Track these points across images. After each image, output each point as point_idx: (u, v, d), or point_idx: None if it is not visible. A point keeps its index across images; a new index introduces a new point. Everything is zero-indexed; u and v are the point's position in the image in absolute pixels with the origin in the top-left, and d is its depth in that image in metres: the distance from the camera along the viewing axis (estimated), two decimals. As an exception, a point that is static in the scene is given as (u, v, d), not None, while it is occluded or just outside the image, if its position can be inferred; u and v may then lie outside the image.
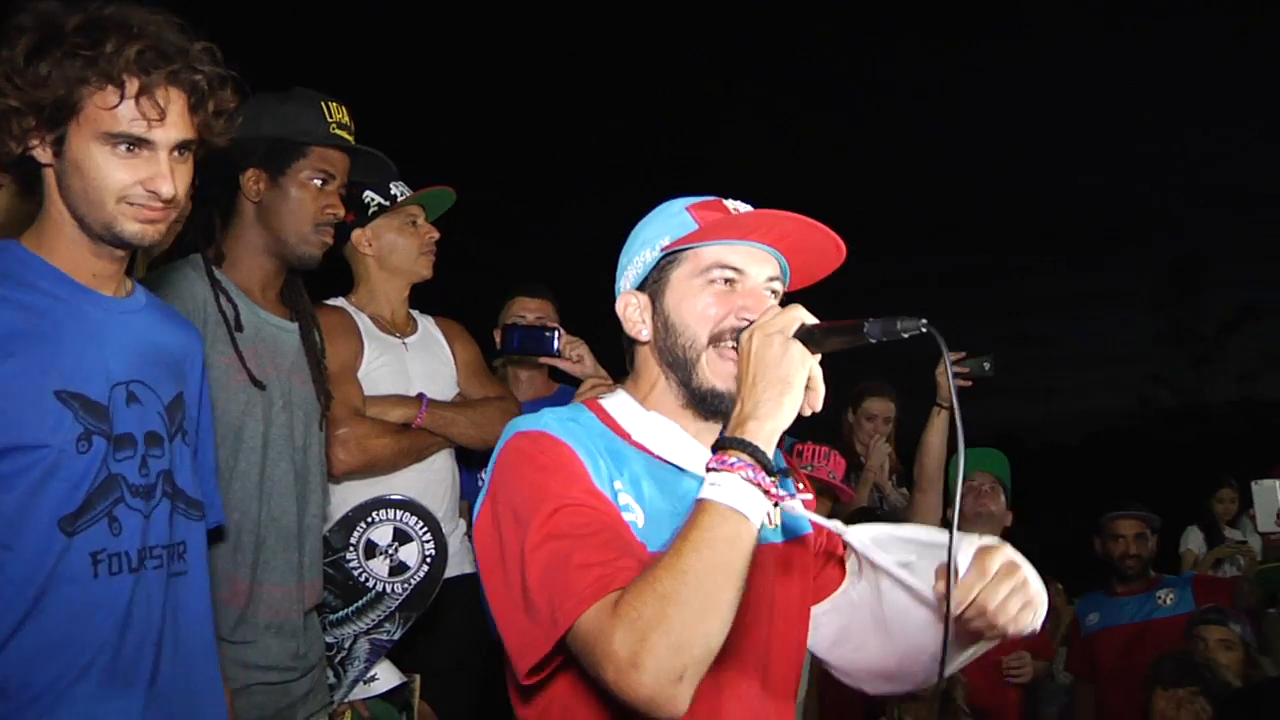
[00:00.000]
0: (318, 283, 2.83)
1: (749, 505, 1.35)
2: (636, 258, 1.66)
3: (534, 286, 3.58)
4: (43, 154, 1.69)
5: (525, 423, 1.56)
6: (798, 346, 1.43)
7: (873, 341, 1.42)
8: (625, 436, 1.60)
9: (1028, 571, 1.45)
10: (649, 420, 1.62)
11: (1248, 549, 5.58)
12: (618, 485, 1.52)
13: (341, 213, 2.48)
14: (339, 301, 3.03)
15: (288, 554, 2.35)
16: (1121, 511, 4.55)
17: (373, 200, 3.04)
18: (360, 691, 2.72)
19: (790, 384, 1.41)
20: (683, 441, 1.61)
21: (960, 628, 1.47)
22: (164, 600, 1.77)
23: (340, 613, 2.64)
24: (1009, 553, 1.45)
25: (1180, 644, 4.00)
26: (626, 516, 1.49)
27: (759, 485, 1.36)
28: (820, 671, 3.79)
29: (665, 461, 1.60)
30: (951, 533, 1.40)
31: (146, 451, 1.75)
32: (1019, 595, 1.43)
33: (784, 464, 1.74)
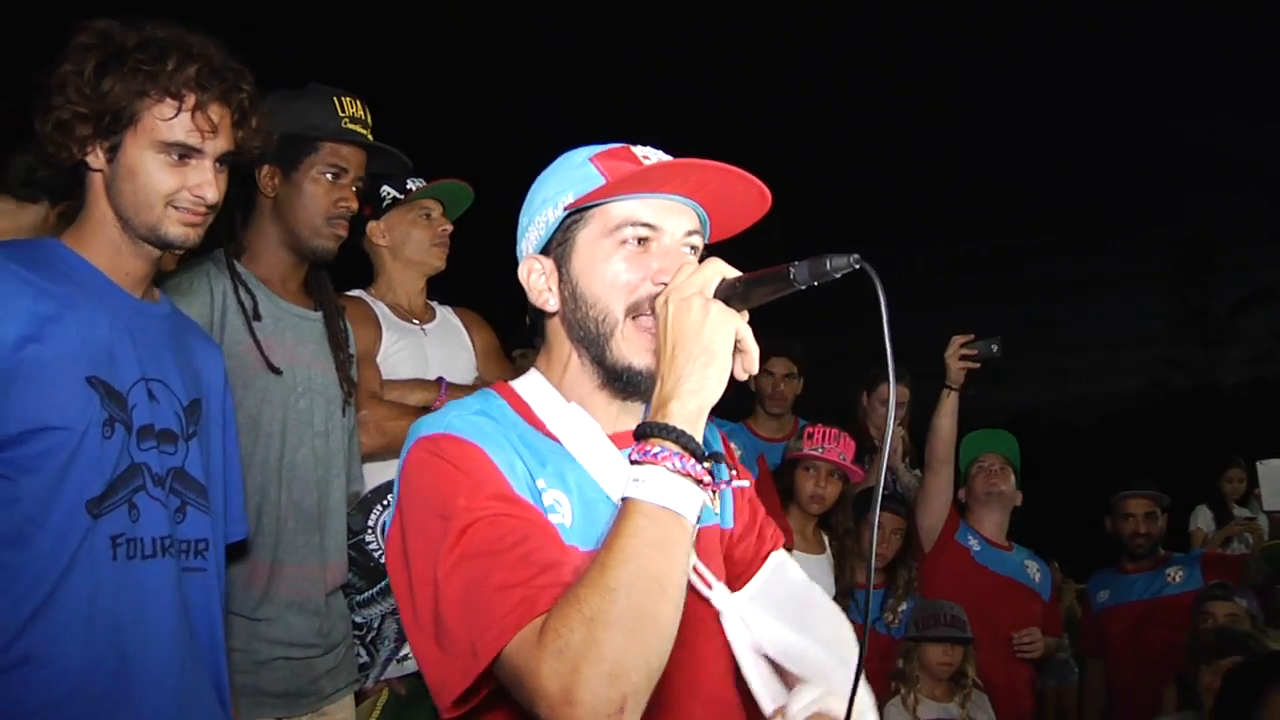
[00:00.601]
0: (344, 275, 2.89)
1: (679, 500, 1.18)
2: (538, 217, 1.45)
3: None
4: (95, 160, 1.80)
5: (427, 425, 1.35)
6: (719, 307, 1.25)
7: (802, 287, 1.24)
8: (539, 427, 1.41)
9: None
10: (570, 417, 1.42)
11: (1256, 527, 5.58)
12: (541, 484, 1.33)
13: (354, 206, 2.48)
14: (357, 292, 3.06)
15: (308, 536, 2.38)
16: (1132, 490, 4.52)
17: (388, 194, 3.07)
18: (394, 670, 2.74)
19: (715, 352, 1.23)
20: (605, 453, 1.40)
21: None
22: (182, 593, 1.81)
23: (365, 594, 2.66)
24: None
25: (1189, 620, 4.03)
26: (553, 519, 1.31)
27: (689, 475, 1.19)
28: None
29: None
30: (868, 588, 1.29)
31: (160, 446, 1.81)
32: None
33: (718, 446, 1.57)
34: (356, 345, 2.74)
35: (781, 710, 1.37)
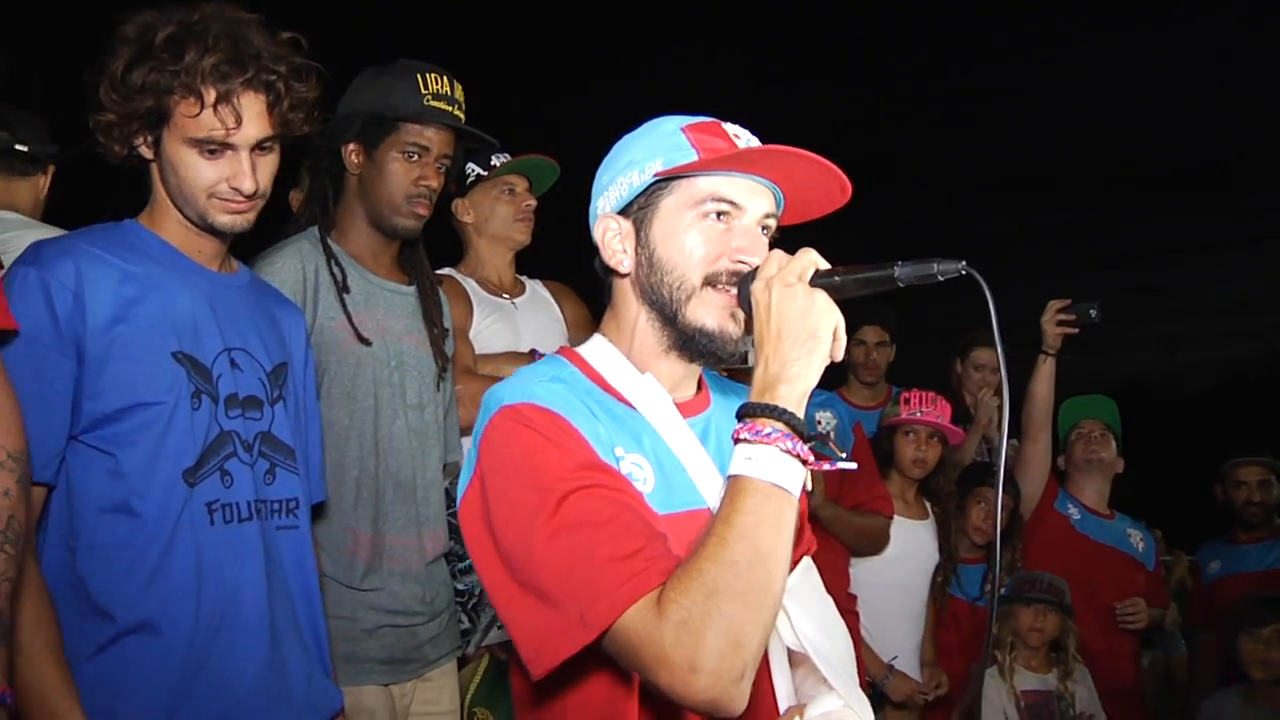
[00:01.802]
0: (439, 252, 2.90)
1: (789, 479, 1.24)
2: (620, 179, 1.45)
3: None
4: (146, 151, 1.81)
5: (508, 393, 1.36)
6: (823, 297, 1.30)
7: (901, 285, 1.31)
8: (614, 394, 1.44)
9: None
10: (644, 387, 1.44)
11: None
12: (619, 451, 1.35)
13: (435, 185, 2.47)
14: (447, 270, 3.07)
15: (406, 507, 2.41)
16: (1244, 458, 4.35)
17: (472, 170, 3.08)
18: (496, 636, 2.79)
19: (819, 339, 1.28)
20: (676, 421, 1.44)
21: None
22: (275, 551, 1.87)
23: (467, 561, 2.64)
24: None
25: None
26: (638, 485, 1.34)
27: (798, 456, 1.25)
28: (934, 617, 3.83)
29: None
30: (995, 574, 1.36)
31: (245, 413, 1.86)
32: None
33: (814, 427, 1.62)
34: (451, 321, 2.77)
35: (798, 709, 1.40)
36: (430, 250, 2.68)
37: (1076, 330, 3.51)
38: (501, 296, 3.10)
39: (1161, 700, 5.09)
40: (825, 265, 1.33)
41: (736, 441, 1.27)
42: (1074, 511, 3.96)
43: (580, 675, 1.32)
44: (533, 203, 3.14)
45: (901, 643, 3.70)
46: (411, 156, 2.45)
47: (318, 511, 2.18)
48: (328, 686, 1.97)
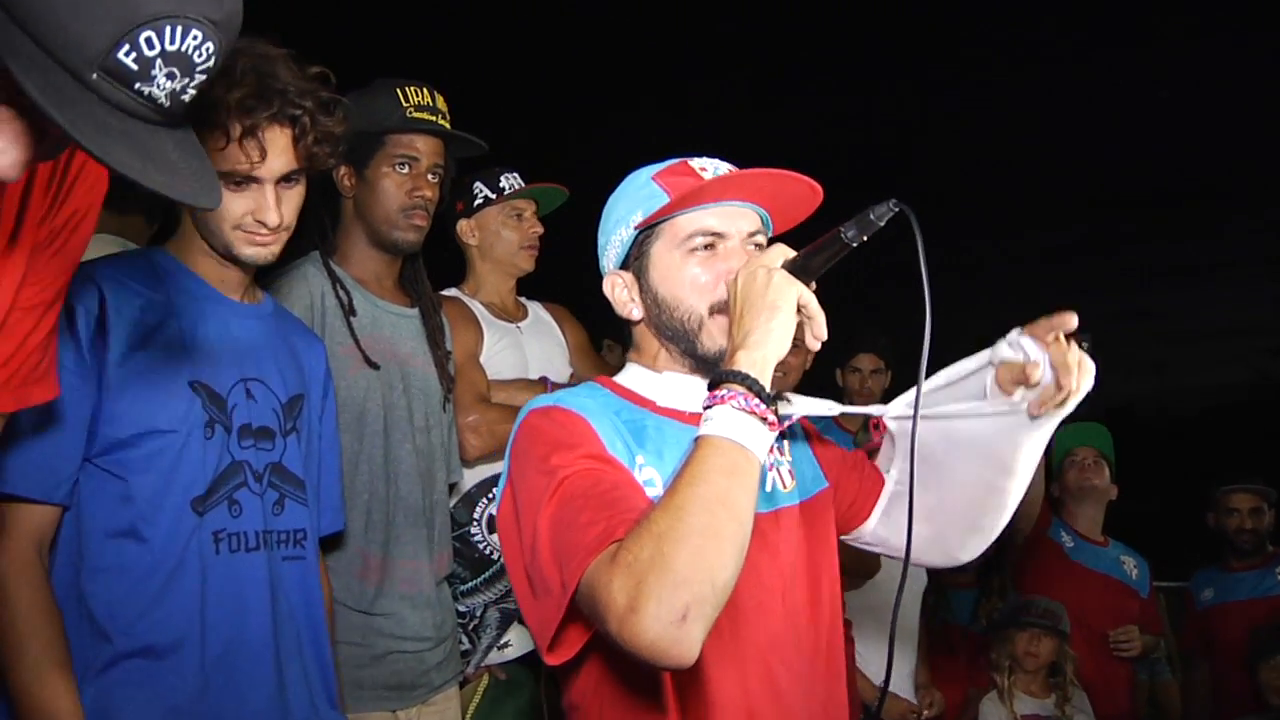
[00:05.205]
0: (444, 270, 2.91)
1: (744, 434, 1.28)
2: (613, 237, 1.59)
3: None
4: None
5: (539, 400, 1.51)
6: (781, 274, 1.36)
7: (854, 245, 1.38)
8: (649, 405, 1.55)
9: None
10: (666, 381, 1.57)
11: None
12: (640, 460, 1.46)
13: (429, 195, 2.48)
14: (452, 291, 3.06)
15: (416, 530, 2.42)
16: (1236, 485, 4.36)
17: (480, 192, 3.07)
18: (495, 656, 2.80)
19: (777, 308, 1.34)
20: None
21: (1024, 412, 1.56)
22: (281, 581, 1.88)
23: (470, 584, 2.70)
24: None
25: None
26: (650, 491, 1.41)
27: (753, 412, 1.29)
28: (928, 640, 3.85)
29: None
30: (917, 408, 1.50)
31: (257, 444, 1.87)
32: (1076, 359, 1.54)
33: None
34: (462, 347, 2.78)
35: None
36: (431, 270, 2.68)
37: (1067, 363, 3.54)
38: (507, 320, 3.09)
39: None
40: (793, 254, 1.42)
41: (704, 410, 1.33)
42: (1067, 539, 3.97)
43: (608, 673, 1.43)
44: (539, 229, 3.12)
45: (895, 665, 3.70)
46: (402, 168, 2.46)
47: (335, 540, 2.19)
48: (331, 714, 1.97)
